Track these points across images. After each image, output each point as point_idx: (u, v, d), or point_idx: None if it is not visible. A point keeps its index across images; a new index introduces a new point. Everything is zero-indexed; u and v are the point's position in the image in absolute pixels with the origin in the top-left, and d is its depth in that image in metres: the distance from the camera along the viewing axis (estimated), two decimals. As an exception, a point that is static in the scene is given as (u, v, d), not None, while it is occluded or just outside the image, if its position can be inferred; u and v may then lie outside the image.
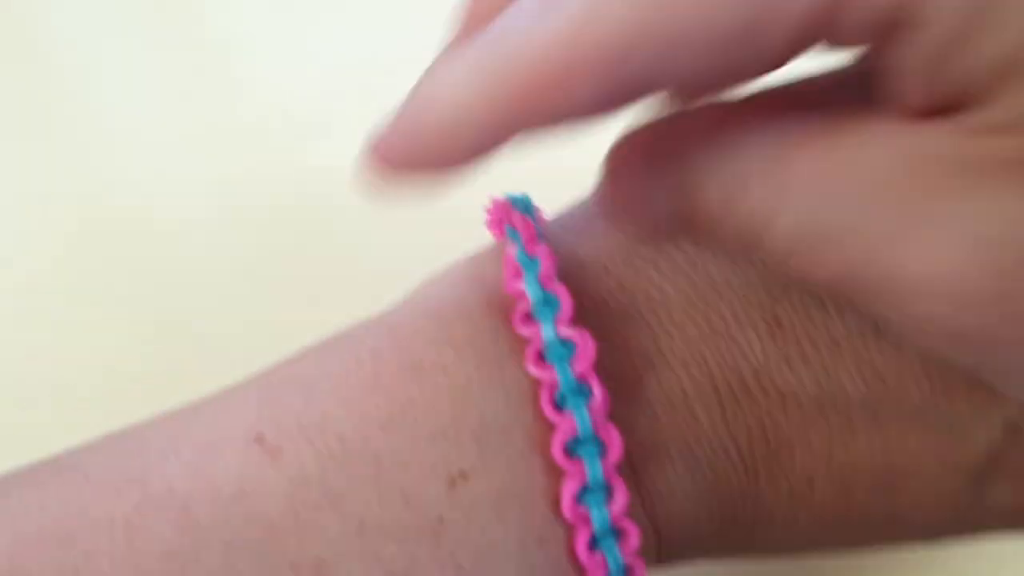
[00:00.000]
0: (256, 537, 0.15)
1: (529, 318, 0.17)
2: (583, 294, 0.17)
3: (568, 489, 0.16)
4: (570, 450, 0.16)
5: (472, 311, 0.17)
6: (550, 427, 0.16)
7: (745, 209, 0.15)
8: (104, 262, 0.21)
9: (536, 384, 0.16)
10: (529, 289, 0.17)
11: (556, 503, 0.16)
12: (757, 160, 0.15)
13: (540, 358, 0.17)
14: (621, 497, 0.16)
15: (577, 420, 0.16)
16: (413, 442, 0.16)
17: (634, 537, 0.16)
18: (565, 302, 0.17)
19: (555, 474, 0.16)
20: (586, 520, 0.16)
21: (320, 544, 0.15)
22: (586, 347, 0.16)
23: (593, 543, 0.16)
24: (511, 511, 0.16)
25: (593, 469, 0.16)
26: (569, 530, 0.16)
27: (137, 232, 0.28)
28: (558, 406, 0.16)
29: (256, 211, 0.22)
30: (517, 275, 0.17)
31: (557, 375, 0.16)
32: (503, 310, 0.17)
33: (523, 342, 0.17)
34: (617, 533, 0.16)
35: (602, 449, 0.16)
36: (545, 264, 0.17)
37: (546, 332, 0.17)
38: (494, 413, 0.16)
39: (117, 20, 0.33)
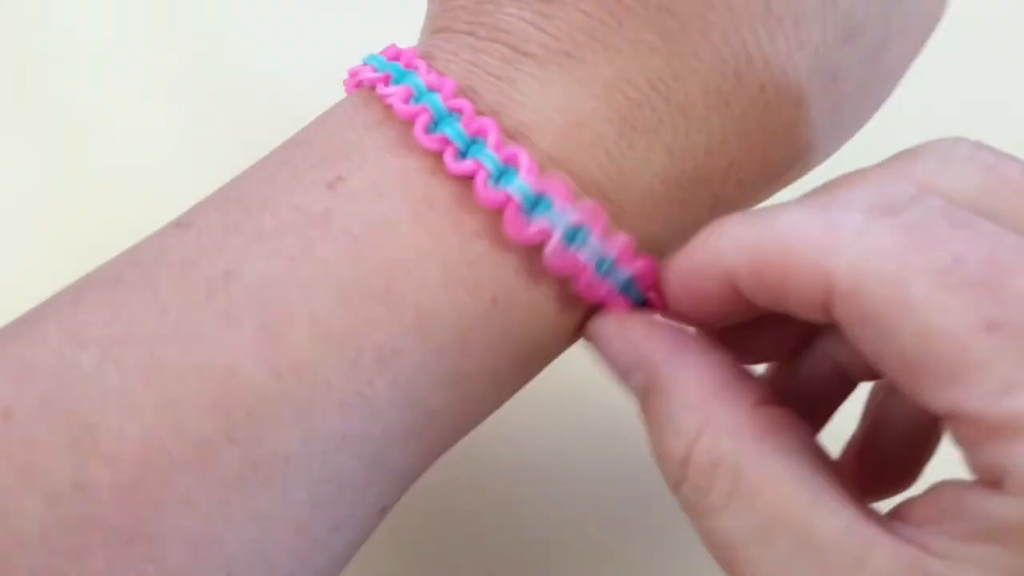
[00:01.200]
0: (171, 274, 0.17)
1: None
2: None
3: (420, 123, 0.18)
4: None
5: (337, 105, 0.20)
6: (401, 133, 0.18)
7: None
8: (102, 262, 0.22)
9: (382, 114, 0.19)
10: (375, 63, 0.20)
11: (431, 172, 0.18)
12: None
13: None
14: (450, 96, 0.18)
15: (429, 104, 0.18)
16: (294, 174, 0.18)
17: (492, 132, 0.18)
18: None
19: (425, 159, 0.18)
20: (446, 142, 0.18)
21: (226, 258, 0.17)
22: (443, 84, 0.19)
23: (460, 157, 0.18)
24: (390, 189, 0.18)
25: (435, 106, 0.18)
26: (449, 184, 0.18)
27: (136, 231, 0.29)
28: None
29: None
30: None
31: (406, 87, 0.18)
32: (355, 97, 0.20)
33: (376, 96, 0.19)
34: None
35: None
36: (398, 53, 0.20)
37: (393, 69, 0.19)
38: (358, 138, 0.19)
39: (116, 20, 0.34)
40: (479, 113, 0.18)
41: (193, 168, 0.31)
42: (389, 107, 0.19)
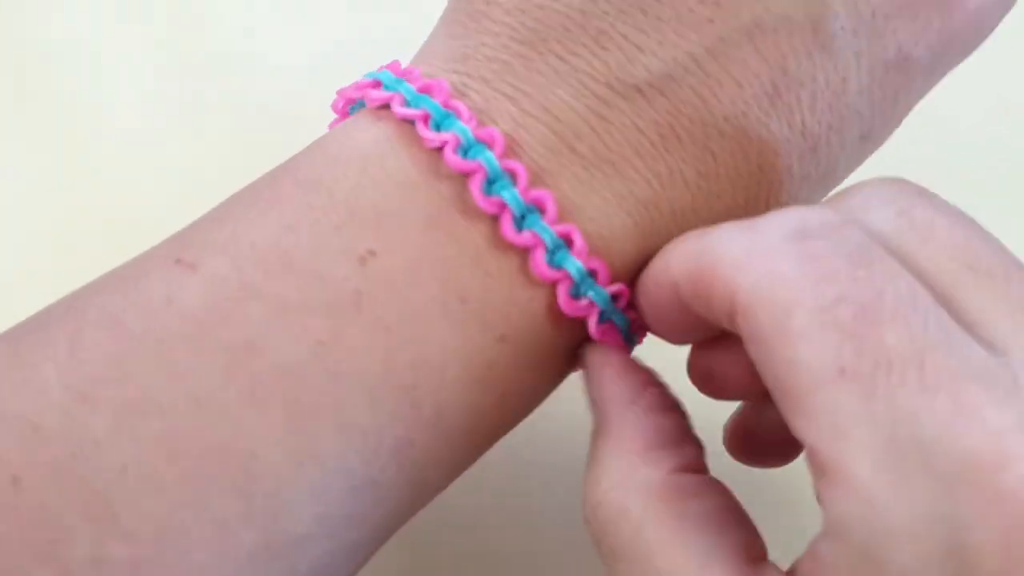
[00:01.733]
0: (187, 332, 0.16)
1: (408, 111, 0.18)
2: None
3: (476, 182, 0.18)
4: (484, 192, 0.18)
5: (352, 128, 0.19)
6: (445, 197, 0.18)
7: None
8: (102, 262, 0.20)
9: (424, 167, 0.18)
10: (380, 77, 0.19)
11: (470, 264, 0.18)
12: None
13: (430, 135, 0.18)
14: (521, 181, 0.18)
15: (484, 162, 0.18)
16: (318, 236, 0.17)
17: (550, 205, 0.18)
18: (413, 75, 0.19)
19: (457, 243, 0.18)
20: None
21: (247, 328, 0.17)
22: (441, 86, 0.18)
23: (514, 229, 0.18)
24: (424, 276, 0.17)
25: (492, 168, 0.18)
26: (487, 278, 0.18)
27: (136, 232, 0.26)
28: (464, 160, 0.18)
29: None
30: (375, 86, 0.19)
31: (454, 135, 0.18)
32: (383, 125, 0.19)
33: (407, 136, 0.18)
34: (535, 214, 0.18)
35: (508, 175, 0.18)
36: (400, 70, 0.19)
37: (404, 90, 0.18)
38: (388, 202, 0.18)
39: (116, 20, 0.32)
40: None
41: (193, 167, 0.29)
42: (428, 153, 0.18)
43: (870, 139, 0.20)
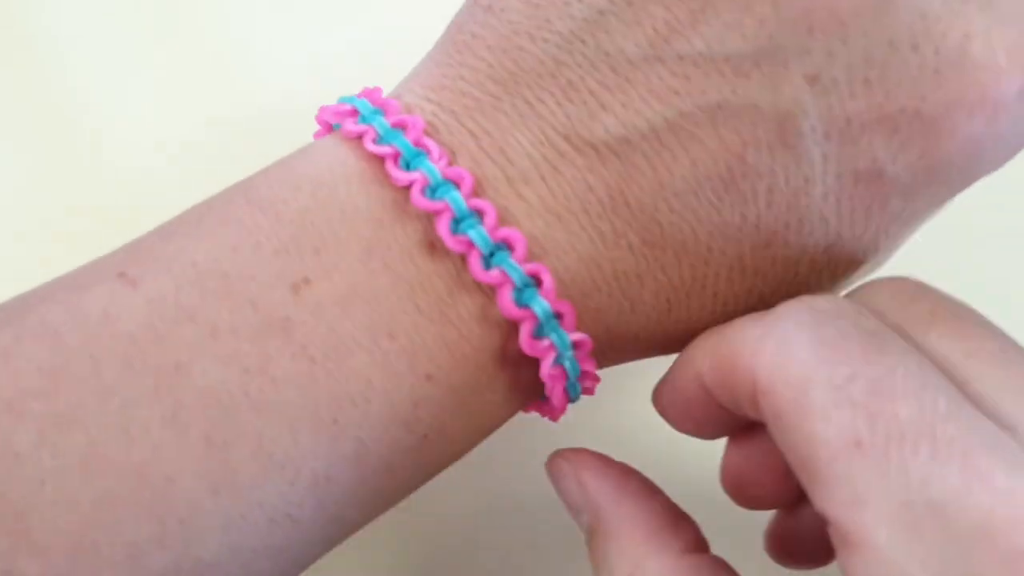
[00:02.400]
0: (120, 350, 0.17)
1: (361, 129, 0.19)
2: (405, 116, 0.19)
3: (443, 221, 0.18)
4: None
5: (316, 151, 0.19)
6: (385, 231, 0.18)
7: None
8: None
9: (375, 199, 0.18)
10: (358, 104, 0.19)
11: (403, 299, 0.18)
12: None
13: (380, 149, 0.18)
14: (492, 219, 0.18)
15: (425, 172, 0.18)
16: (257, 259, 0.18)
17: (519, 244, 0.18)
18: (390, 107, 0.19)
19: (392, 276, 0.18)
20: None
21: (177, 350, 0.17)
22: (415, 123, 0.19)
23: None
24: (356, 308, 0.18)
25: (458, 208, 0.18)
26: (418, 315, 0.18)
27: (134, 232, 0.26)
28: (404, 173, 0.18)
29: None
30: (352, 114, 0.19)
31: (422, 174, 0.18)
32: (347, 151, 0.19)
33: (364, 166, 0.19)
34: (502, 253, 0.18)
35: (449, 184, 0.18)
36: (371, 96, 0.20)
37: (378, 123, 0.19)
38: (331, 229, 0.18)
39: (116, 19, 0.31)
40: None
41: (193, 165, 0.29)
42: (382, 186, 0.18)
43: (838, 250, 0.20)
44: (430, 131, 0.19)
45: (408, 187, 0.18)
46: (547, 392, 0.19)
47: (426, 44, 0.21)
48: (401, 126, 0.19)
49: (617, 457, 0.20)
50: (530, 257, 0.18)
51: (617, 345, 0.20)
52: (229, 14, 0.31)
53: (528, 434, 0.24)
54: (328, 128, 0.21)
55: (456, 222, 0.18)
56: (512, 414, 0.20)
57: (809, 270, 0.20)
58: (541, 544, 0.26)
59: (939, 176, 0.19)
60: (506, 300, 0.18)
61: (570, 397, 0.20)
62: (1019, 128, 0.19)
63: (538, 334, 0.18)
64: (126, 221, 0.27)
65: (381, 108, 0.19)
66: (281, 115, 0.28)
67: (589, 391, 0.20)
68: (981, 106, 0.18)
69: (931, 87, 0.18)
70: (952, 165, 0.19)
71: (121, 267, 0.18)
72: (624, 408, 0.26)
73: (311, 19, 0.31)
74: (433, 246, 0.18)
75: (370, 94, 0.20)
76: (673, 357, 0.20)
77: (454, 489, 0.20)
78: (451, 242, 0.18)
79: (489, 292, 0.18)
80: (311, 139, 0.28)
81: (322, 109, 0.20)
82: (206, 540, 0.17)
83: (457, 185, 0.18)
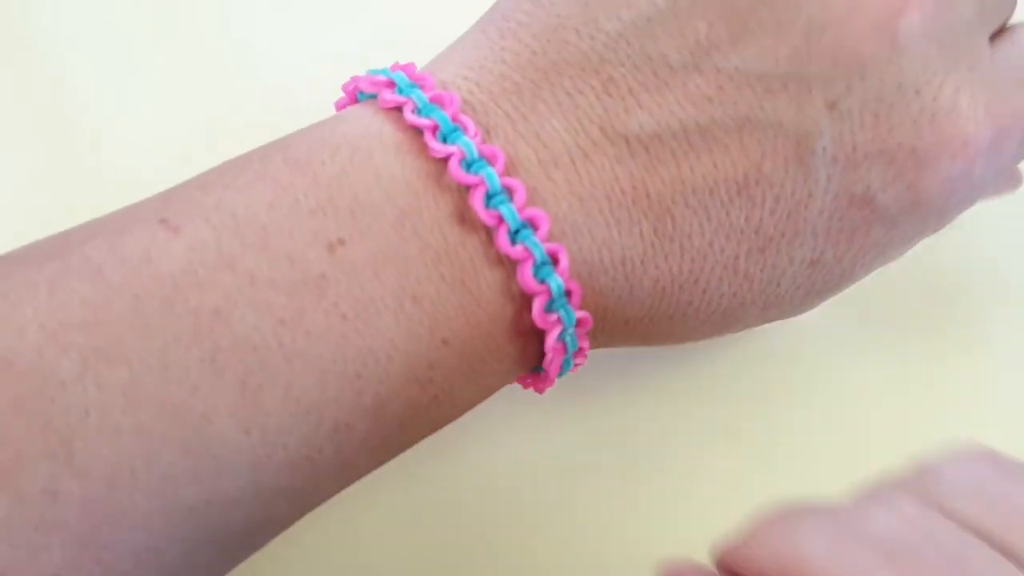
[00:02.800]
0: (161, 290, 0.17)
1: (399, 99, 0.20)
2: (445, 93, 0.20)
3: (478, 195, 0.19)
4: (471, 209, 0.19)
5: (351, 117, 0.20)
6: (418, 200, 0.19)
7: None
8: None
9: (410, 169, 0.19)
10: (395, 77, 0.20)
11: (428, 266, 0.19)
12: None
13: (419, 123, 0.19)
14: (521, 195, 0.19)
15: (485, 177, 0.19)
16: (295, 216, 0.19)
17: (543, 224, 0.19)
18: (427, 82, 0.20)
19: (421, 243, 0.19)
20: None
21: (217, 296, 0.18)
22: (452, 99, 0.20)
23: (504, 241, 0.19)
24: (386, 271, 0.19)
25: (492, 179, 0.19)
26: (441, 283, 0.19)
27: None
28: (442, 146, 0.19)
29: None
30: (389, 86, 0.20)
31: (460, 148, 0.19)
32: (383, 119, 0.20)
33: (401, 136, 0.20)
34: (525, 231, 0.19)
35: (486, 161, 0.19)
36: (406, 70, 0.21)
37: (417, 96, 0.20)
38: (367, 193, 0.19)
39: (116, 19, 0.31)
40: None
41: (194, 165, 0.28)
42: (417, 157, 0.19)
43: (819, 268, 0.22)
44: (466, 109, 0.20)
45: (445, 160, 0.19)
46: (545, 364, 0.21)
47: (426, 43, 0.22)
48: (438, 101, 0.20)
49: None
50: (551, 236, 0.20)
51: (608, 328, 0.22)
52: (229, 14, 0.31)
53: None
54: (353, 98, 0.22)
55: (489, 197, 0.19)
56: (509, 382, 0.22)
57: (790, 284, 0.22)
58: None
59: (919, 209, 0.21)
60: (526, 274, 0.19)
61: (561, 370, 0.22)
62: (987, 174, 0.22)
63: (548, 308, 0.20)
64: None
65: (418, 83, 0.20)
66: (281, 115, 0.28)
67: (576, 368, 0.22)
68: (963, 150, 0.21)
69: (927, 129, 0.20)
70: (931, 201, 0.21)
71: (161, 213, 0.19)
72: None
73: (311, 19, 0.31)
74: (462, 218, 0.19)
75: (405, 68, 0.21)
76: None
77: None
78: (484, 215, 0.19)
79: (509, 266, 0.20)
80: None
81: (354, 79, 0.21)
82: (235, 477, 0.18)
83: (491, 162, 0.19)
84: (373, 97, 0.21)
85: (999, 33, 0.22)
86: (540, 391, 0.22)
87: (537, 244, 0.19)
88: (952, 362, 0.28)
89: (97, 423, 0.17)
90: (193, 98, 0.30)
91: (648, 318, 0.22)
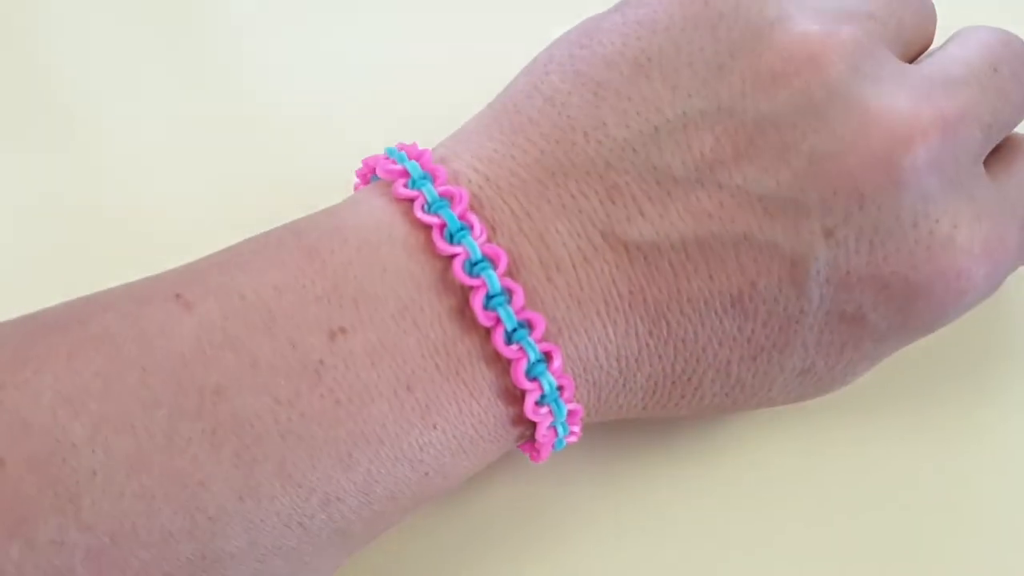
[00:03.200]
0: (169, 365, 0.19)
1: (409, 191, 0.21)
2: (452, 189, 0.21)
3: (478, 298, 0.20)
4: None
5: (365, 207, 0.21)
6: (421, 295, 0.20)
7: None
8: (101, 265, 0.21)
9: (412, 264, 0.20)
10: (409, 167, 0.21)
11: (425, 357, 0.20)
12: None
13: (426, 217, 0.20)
14: (519, 298, 0.20)
15: (467, 248, 0.20)
16: (301, 302, 0.20)
17: (539, 325, 0.20)
18: (439, 175, 0.21)
19: (419, 336, 0.20)
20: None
21: (220, 374, 0.19)
22: (461, 196, 0.21)
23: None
24: (383, 360, 0.20)
25: (492, 282, 0.20)
26: (435, 373, 0.20)
27: (134, 233, 0.26)
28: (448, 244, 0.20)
29: (257, 211, 0.22)
30: (403, 175, 0.21)
31: (464, 250, 0.20)
32: (394, 211, 0.21)
33: (409, 228, 0.21)
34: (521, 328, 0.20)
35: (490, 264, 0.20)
36: (421, 158, 0.21)
37: (427, 191, 0.21)
38: (371, 284, 0.20)
39: (116, 20, 0.31)
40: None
41: (193, 169, 0.29)
42: (433, 256, 0.20)
43: (810, 376, 0.23)
44: (474, 204, 0.21)
45: (450, 258, 0.20)
46: (537, 447, 0.22)
47: (424, 50, 0.22)
48: (448, 196, 0.21)
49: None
50: (546, 335, 0.21)
51: (602, 411, 0.23)
52: (229, 14, 0.32)
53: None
54: (370, 173, 0.23)
55: (488, 298, 0.20)
56: (502, 453, 0.23)
57: (781, 389, 0.23)
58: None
59: (908, 328, 0.22)
60: (519, 373, 0.20)
61: (553, 448, 0.23)
62: (978, 300, 0.22)
63: (539, 402, 0.21)
64: (126, 221, 0.29)
65: (430, 174, 0.21)
66: (281, 115, 0.30)
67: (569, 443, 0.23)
68: (957, 282, 0.21)
69: (922, 260, 0.21)
70: (921, 321, 0.22)
71: (178, 288, 0.20)
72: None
73: (312, 19, 0.31)
74: (462, 315, 0.20)
75: (419, 156, 0.22)
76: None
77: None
78: (482, 317, 0.20)
79: (505, 363, 0.21)
80: (311, 141, 0.29)
81: (370, 162, 0.22)
82: (229, 535, 0.19)
83: (494, 263, 0.20)
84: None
85: (997, 158, 0.23)
86: (535, 460, 0.23)
87: (532, 344, 0.20)
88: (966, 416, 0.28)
89: (102, 484, 0.18)
90: (193, 98, 0.31)
91: (641, 406, 0.23)
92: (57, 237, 0.28)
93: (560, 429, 0.22)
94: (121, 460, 0.18)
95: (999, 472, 0.27)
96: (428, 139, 0.23)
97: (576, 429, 0.22)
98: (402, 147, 0.22)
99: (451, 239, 0.20)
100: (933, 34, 0.24)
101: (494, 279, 0.20)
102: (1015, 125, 0.23)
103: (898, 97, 0.21)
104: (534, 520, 0.26)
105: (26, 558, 0.18)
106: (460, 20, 0.31)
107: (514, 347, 0.20)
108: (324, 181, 0.23)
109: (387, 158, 0.22)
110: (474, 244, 0.20)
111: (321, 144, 0.28)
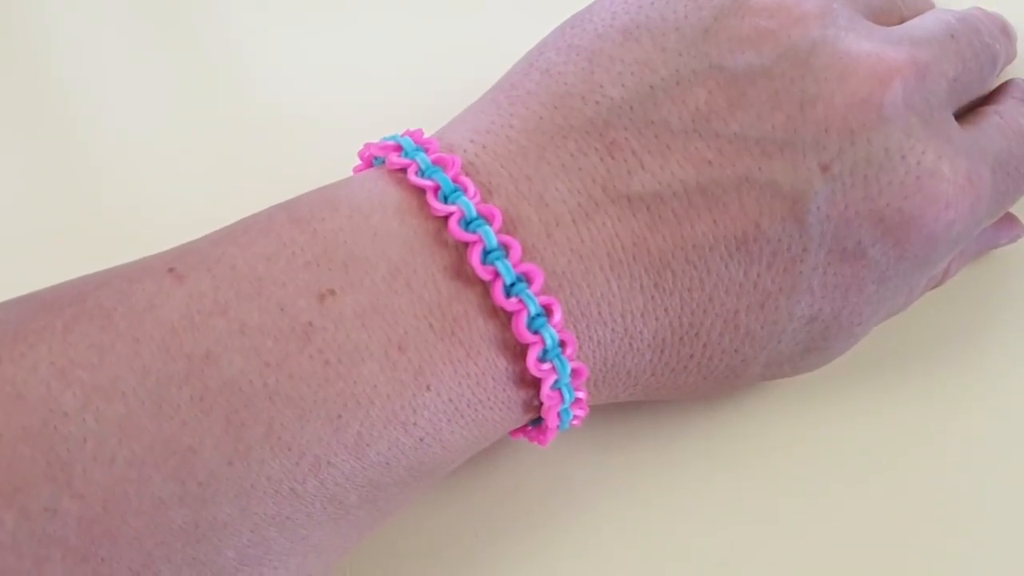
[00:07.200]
0: (159, 334, 0.19)
1: (403, 165, 0.21)
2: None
3: (475, 252, 0.20)
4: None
5: (357, 180, 0.22)
6: (414, 256, 0.20)
7: None
8: (101, 265, 0.21)
9: (406, 227, 0.21)
10: (402, 142, 0.22)
11: (418, 318, 0.20)
12: None
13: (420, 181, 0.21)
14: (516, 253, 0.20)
15: (462, 207, 0.20)
16: (290, 268, 0.20)
17: (537, 278, 0.20)
18: (432, 146, 0.21)
19: (412, 296, 0.20)
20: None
21: (209, 340, 0.19)
22: (454, 162, 0.21)
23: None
24: (374, 322, 0.20)
25: (488, 237, 0.20)
26: (429, 333, 0.20)
27: (134, 232, 0.27)
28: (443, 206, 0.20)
29: (256, 210, 0.22)
30: (396, 149, 0.22)
31: (459, 208, 0.20)
32: (387, 181, 0.21)
33: (401, 199, 0.21)
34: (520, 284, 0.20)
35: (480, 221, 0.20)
36: (414, 136, 0.22)
37: (421, 159, 0.21)
38: (361, 248, 0.20)
39: (117, 21, 0.32)
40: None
41: (194, 165, 0.30)
42: (416, 217, 0.21)
43: (817, 325, 0.23)
44: (468, 169, 0.21)
45: (445, 218, 0.21)
46: (543, 413, 0.22)
47: (424, 49, 0.23)
48: (441, 163, 0.21)
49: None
50: (546, 290, 0.21)
51: (610, 379, 0.22)
52: (229, 15, 0.32)
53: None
54: (369, 162, 0.23)
55: (485, 253, 0.20)
56: (506, 430, 0.22)
57: (790, 341, 0.23)
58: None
59: (904, 264, 0.23)
60: (521, 325, 0.20)
61: (561, 422, 0.22)
62: (962, 234, 0.23)
63: (542, 358, 0.21)
64: (126, 222, 0.29)
65: (423, 146, 0.22)
66: (281, 115, 0.30)
67: (577, 420, 0.23)
68: (945, 211, 0.22)
69: (912, 190, 0.22)
70: (915, 255, 0.23)
71: (171, 263, 0.20)
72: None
73: (312, 19, 0.32)
74: (457, 274, 0.20)
75: (412, 134, 0.22)
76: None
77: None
78: (480, 271, 0.20)
79: (504, 318, 0.21)
80: (311, 138, 0.29)
81: (366, 145, 0.23)
82: (220, 502, 0.19)
83: (489, 221, 0.21)
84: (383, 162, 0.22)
85: (965, 119, 0.24)
86: (542, 444, 0.23)
87: (531, 296, 0.20)
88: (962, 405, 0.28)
89: (93, 451, 0.18)
90: (193, 98, 0.31)
91: (650, 371, 0.23)
92: (57, 236, 0.28)
93: (565, 392, 0.21)
94: (112, 427, 0.18)
95: (998, 447, 0.27)
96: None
97: (583, 397, 0.22)
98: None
99: (446, 200, 0.21)
100: (901, 9, 0.26)
101: (490, 233, 0.20)
102: (975, 92, 0.25)
103: (873, 43, 0.22)
104: (532, 512, 0.26)
105: (20, 527, 0.18)
106: (460, 20, 0.31)
107: (513, 300, 0.20)
108: (324, 180, 0.23)
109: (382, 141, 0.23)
110: (469, 203, 0.21)
111: (321, 143, 0.29)
